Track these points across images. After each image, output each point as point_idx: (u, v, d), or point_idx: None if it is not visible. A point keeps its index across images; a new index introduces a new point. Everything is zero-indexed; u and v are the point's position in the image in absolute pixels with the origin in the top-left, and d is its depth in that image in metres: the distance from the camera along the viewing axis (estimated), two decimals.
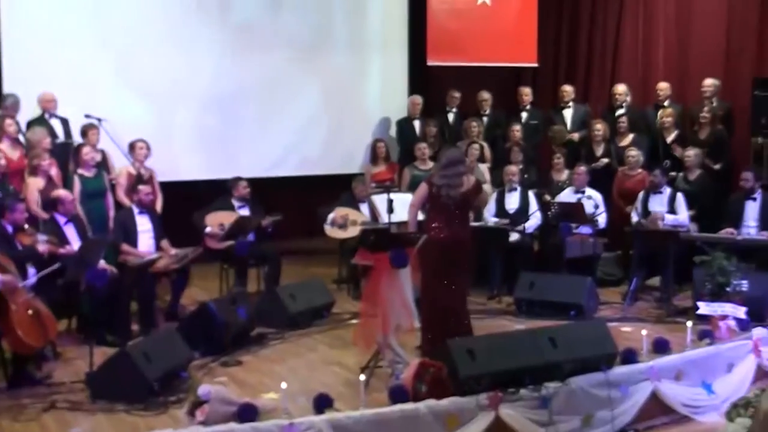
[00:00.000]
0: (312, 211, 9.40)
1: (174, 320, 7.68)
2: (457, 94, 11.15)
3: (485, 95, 11.02)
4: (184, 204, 8.71)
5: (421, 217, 6.87)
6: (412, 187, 9.60)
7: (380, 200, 8.86)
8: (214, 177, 9.77)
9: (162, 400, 5.77)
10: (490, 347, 5.76)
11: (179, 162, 10.13)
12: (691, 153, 9.23)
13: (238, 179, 8.72)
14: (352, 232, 8.81)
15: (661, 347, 6.61)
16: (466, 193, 6.55)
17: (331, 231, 9.01)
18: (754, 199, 8.57)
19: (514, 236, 8.90)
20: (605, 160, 9.92)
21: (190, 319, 7.13)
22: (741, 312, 7.02)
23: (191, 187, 9.93)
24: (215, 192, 8.86)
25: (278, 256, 8.63)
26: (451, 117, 11.13)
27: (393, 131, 11.38)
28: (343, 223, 8.90)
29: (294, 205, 10.74)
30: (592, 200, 8.98)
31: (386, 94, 11.72)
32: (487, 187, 9.64)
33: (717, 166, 9.47)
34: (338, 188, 9.61)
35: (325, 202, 9.23)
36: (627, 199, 9.33)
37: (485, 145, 10.37)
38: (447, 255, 6.48)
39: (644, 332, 6.60)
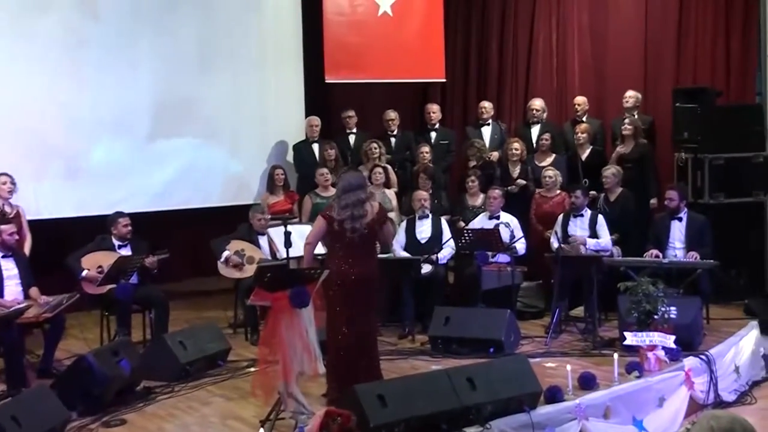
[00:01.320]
0: (203, 247, 9.29)
1: (48, 377, 7.45)
2: (352, 113, 11.19)
3: (391, 114, 11.10)
4: (57, 245, 8.50)
5: (321, 249, 6.84)
6: (314, 217, 9.58)
7: (277, 233, 8.79)
8: (90, 213, 9.58)
9: None
10: (403, 391, 5.76)
11: (49, 197, 9.85)
12: (609, 172, 9.41)
13: (118, 215, 8.56)
14: (249, 270, 8.72)
15: (587, 383, 6.71)
16: (371, 223, 6.54)
17: (225, 270, 8.90)
18: (680, 219, 8.80)
19: (426, 268, 8.94)
20: (522, 182, 10.08)
21: (66, 375, 6.94)
22: (670, 341, 7.18)
23: (64, 225, 9.71)
24: (92, 230, 8.68)
25: (166, 300, 8.49)
26: (352, 139, 11.17)
27: (290, 156, 11.35)
28: (239, 260, 8.80)
29: (182, 241, 10.62)
30: (510, 226, 9.10)
31: (282, 115, 11.63)
32: (394, 215, 9.71)
33: (653, 201, 9.73)
34: (232, 222, 9.52)
35: (217, 237, 9.12)
36: (546, 223, 9.50)
37: (389, 168, 10.41)
38: (352, 292, 6.46)
39: (569, 367, 6.68)
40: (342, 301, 6.49)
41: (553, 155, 10.20)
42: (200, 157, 11.04)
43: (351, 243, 6.49)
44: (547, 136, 10.23)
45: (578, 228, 9.07)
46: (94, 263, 8.22)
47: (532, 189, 10.01)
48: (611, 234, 9.08)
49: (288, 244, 7.43)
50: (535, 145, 10.40)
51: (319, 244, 6.87)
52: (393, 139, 11.03)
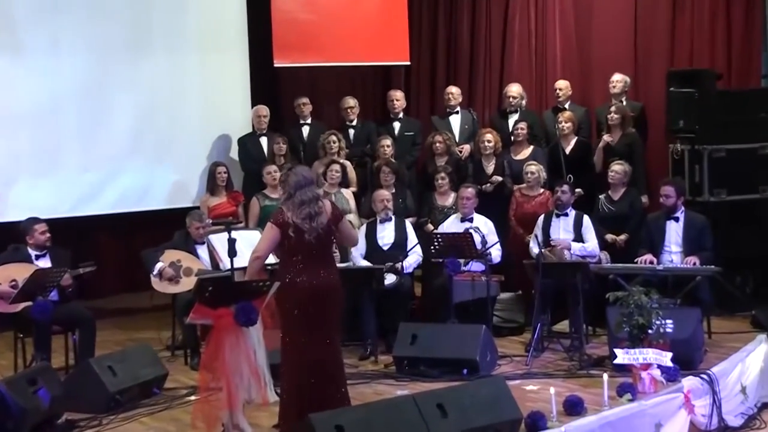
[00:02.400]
0: (134, 258, 9.22)
1: None
2: (306, 101, 11.17)
3: (350, 102, 11.09)
4: None
5: (272, 260, 6.79)
6: (263, 223, 9.52)
7: (220, 241, 8.73)
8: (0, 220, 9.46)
9: None
10: (365, 421, 5.73)
11: None
12: (620, 168, 9.44)
13: (34, 221, 8.46)
14: (187, 284, 8.64)
15: (574, 408, 6.71)
16: (328, 224, 6.49)
17: (159, 284, 8.82)
18: (677, 219, 8.84)
19: (389, 278, 8.94)
20: (497, 179, 10.06)
21: None
22: (667, 359, 7.19)
23: None
24: (2, 240, 8.60)
25: (92, 319, 8.42)
26: (305, 130, 11.14)
27: (235, 152, 11.31)
28: (175, 273, 8.74)
29: (111, 251, 10.55)
30: (478, 230, 9.07)
31: (225, 105, 11.60)
32: (353, 218, 9.69)
33: (644, 199, 9.74)
34: (168, 228, 9.47)
35: (151, 246, 9.06)
36: (527, 225, 9.52)
37: (347, 164, 10.40)
38: (313, 307, 6.39)
39: (553, 390, 6.66)
40: (300, 318, 6.39)
41: (531, 147, 10.25)
42: (131, 154, 10.95)
43: (310, 250, 6.41)
44: (523, 125, 10.26)
45: (561, 230, 9.09)
46: (5, 277, 8.11)
47: (510, 187, 10.04)
48: (618, 236, 9.18)
49: (232, 252, 7.40)
50: (512, 136, 10.42)
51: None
52: (351, 131, 11.04)
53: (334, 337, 6.59)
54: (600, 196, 9.56)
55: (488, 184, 10.02)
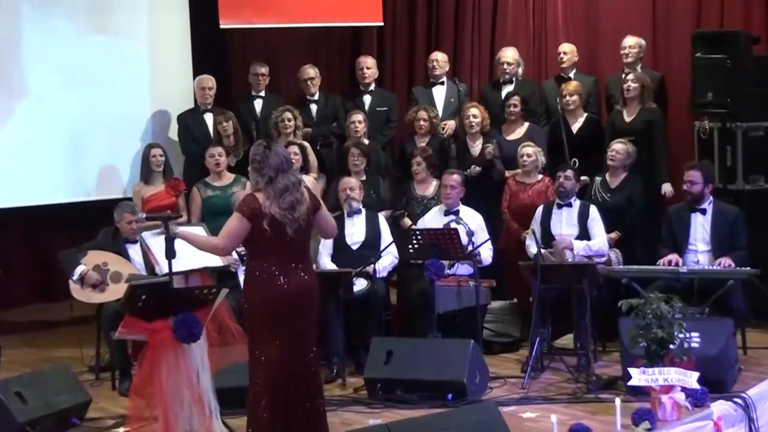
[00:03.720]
0: (50, 261, 9.19)
1: None
2: (264, 70, 11.14)
3: (310, 72, 11.08)
4: None
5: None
6: (207, 216, 9.56)
7: (156, 239, 8.64)
8: None
9: None
10: None
11: None
12: (621, 147, 9.45)
13: None
14: (115, 291, 8.57)
15: None
16: (307, 213, 6.43)
17: (81, 292, 8.76)
18: (704, 212, 8.84)
19: (359, 284, 8.93)
20: (490, 152, 9.99)
21: None
22: (692, 379, 7.17)
23: None
24: None
25: None
26: (258, 105, 11.13)
27: (174, 131, 11.26)
28: (101, 278, 8.68)
29: (20, 252, 10.44)
30: (461, 222, 9.05)
31: (160, 75, 11.55)
32: None
33: (666, 187, 9.74)
34: (92, 224, 9.43)
35: (70, 246, 8.98)
36: (523, 219, 9.53)
37: (307, 146, 10.36)
38: (289, 315, 6.34)
39: (555, 418, 6.65)
40: (275, 329, 6.33)
41: (526, 125, 10.26)
42: (43, 134, 10.85)
43: (289, 246, 6.36)
44: (516, 98, 10.27)
45: (564, 224, 9.13)
46: None
47: (500, 171, 10.02)
48: (609, 232, 9.15)
49: (171, 253, 7.31)
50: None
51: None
52: (313, 106, 11.04)
53: (314, 350, 6.55)
54: (595, 179, 9.61)
55: (473, 168, 10.02)
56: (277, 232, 6.28)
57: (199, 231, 8.08)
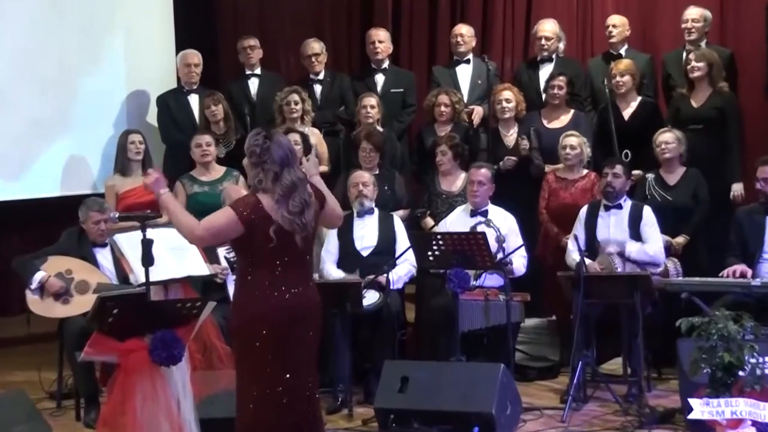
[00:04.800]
0: (4, 268, 9.23)
1: None
2: (254, 42, 11.14)
3: (315, 47, 11.09)
4: None
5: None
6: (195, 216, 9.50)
7: (130, 242, 8.61)
8: None
9: None
10: None
11: None
12: (670, 137, 9.42)
13: None
14: (82, 303, 8.58)
15: None
16: (315, 215, 6.34)
17: (39, 304, 8.74)
18: None
19: (370, 297, 8.90)
20: (525, 146, 10.01)
21: None
22: (766, 413, 7.09)
23: None
24: None
25: None
26: (253, 86, 11.16)
27: (153, 115, 11.27)
28: (64, 287, 8.65)
29: None
30: (502, 227, 9.06)
31: (138, 50, 11.58)
32: None
33: (736, 188, 9.64)
34: (56, 225, 9.46)
35: (27, 251, 8.99)
36: (565, 222, 9.54)
37: (316, 133, 10.42)
38: (291, 335, 6.26)
39: None
40: (270, 352, 6.22)
41: (572, 112, 10.25)
42: (1, 119, 10.87)
43: (296, 254, 6.27)
44: (561, 79, 10.24)
45: (612, 228, 9.12)
46: None
47: (539, 166, 10.05)
48: (673, 236, 9.17)
49: (148, 260, 7.29)
50: (543, 94, 10.44)
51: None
52: (318, 87, 11.07)
53: (315, 376, 6.48)
54: (647, 177, 9.58)
55: (508, 159, 10.00)
56: (285, 241, 6.19)
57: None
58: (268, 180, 6.17)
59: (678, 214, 9.29)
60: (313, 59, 11.03)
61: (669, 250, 9.15)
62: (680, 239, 9.24)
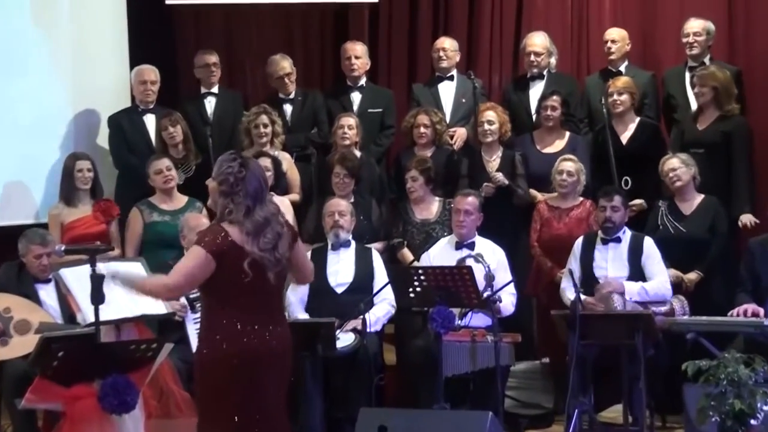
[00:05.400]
0: None
1: None
2: (215, 60, 11.10)
3: (285, 66, 11.06)
4: None
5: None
6: (148, 248, 9.58)
7: (78, 278, 8.54)
8: None
9: None
10: None
11: None
12: (678, 162, 9.39)
13: None
14: (22, 345, 8.48)
15: None
16: (288, 248, 6.35)
17: None
18: None
19: (345, 339, 8.84)
20: (498, 179, 9.98)
21: None
22: None
23: None
24: None
25: None
26: (209, 106, 11.11)
27: (104, 137, 11.18)
28: (2, 327, 8.59)
29: None
30: (491, 261, 9.05)
31: (88, 65, 11.46)
32: None
33: (745, 218, 9.58)
34: None
35: None
36: (556, 255, 9.55)
37: (287, 157, 10.42)
38: (262, 377, 6.25)
39: None
40: (236, 398, 6.21)
41: (567, 135, 10.25)
42: None
43: (266, 291, 6.27)
44: (555, 99, 10.23)
45: (610, 262, 9.14)
46: None
47: (521, 197, 10.03)
48: (685, 271, 9.18)
49: (98, 297, 7.23)
50: (534, 115, 10.46)
51: None
52: (288, 107, 11.05)
53: (286, 421, 6.52)
54: (660, 205, 9.56)
55: (487, 186, 9.97)
56: (257, 277, 6.19)
57: (136, 268, 8.08)
58: (239, 213, 6.15)
59: (692, 246, 9.29)
60: (285, 79, 11.01)
61: (679, 287, 9.13)
62: (692, 275, 9.21)
